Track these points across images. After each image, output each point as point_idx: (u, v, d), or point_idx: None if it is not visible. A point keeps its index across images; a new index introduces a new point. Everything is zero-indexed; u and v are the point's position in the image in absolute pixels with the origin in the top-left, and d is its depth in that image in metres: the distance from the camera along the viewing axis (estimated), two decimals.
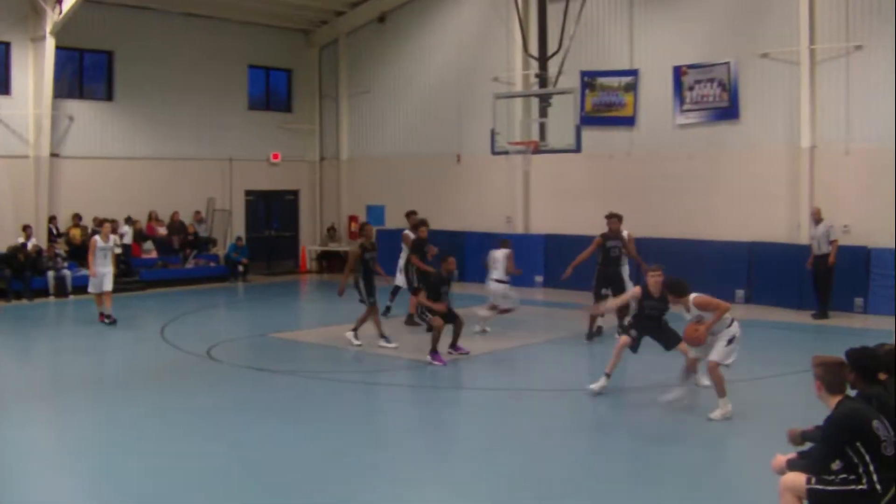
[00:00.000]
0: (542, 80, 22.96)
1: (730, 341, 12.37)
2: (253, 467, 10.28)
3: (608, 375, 13.80)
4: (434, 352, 16.21)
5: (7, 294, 25.03)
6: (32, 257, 25.59)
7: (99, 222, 20.62)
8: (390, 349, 17.42)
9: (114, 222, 23.08)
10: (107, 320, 20.62)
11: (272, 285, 30.11)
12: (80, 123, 28.49)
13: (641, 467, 10.42)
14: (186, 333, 19.79)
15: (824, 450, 7.07)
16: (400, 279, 20.63)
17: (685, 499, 9.33)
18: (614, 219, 18.59)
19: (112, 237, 21.65)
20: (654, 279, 14.15)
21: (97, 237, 21.02)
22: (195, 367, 16.24)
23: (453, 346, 16.90)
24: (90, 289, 21.15)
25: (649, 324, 14.08)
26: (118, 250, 24.96)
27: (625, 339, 13.88)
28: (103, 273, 20.69)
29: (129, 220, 28.59)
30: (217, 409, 13.23)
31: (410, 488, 9.71)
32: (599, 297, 18.29)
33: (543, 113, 22.11)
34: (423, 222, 19.54)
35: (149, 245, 29.23)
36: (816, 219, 21.21)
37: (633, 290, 15.03)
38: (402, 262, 20.46)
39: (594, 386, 13.75)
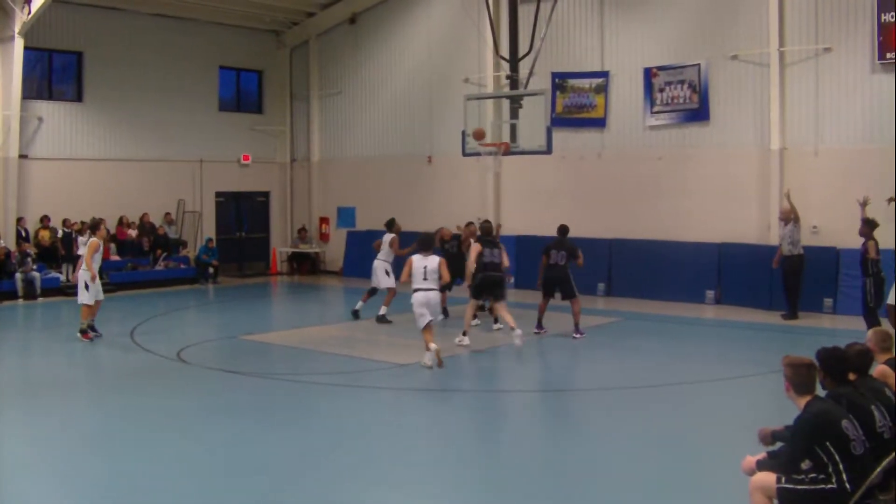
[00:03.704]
0: (513, 81, 22.94)
1: None
2: (225, 469, 10.25)
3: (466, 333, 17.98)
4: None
5: None
6: (1, 260, 25.39)
7: (96, 223, 19.50)
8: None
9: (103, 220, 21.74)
10: (94, 335, 18.89)
11: (243, 287, 30.01)
12: (49, 124, 28.34)
13: (609, 468, 10.44)
14: (156, 336, 19.67)
15: (794, 450, 7.11)
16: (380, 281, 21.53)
17: (653, 500, 9.35)
18: None
19: (80, 239, 21.02)
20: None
21: (95, 238, 18.75)
22: (165, 370, 16.14)
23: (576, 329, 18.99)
24: (89, 299, 18.59)
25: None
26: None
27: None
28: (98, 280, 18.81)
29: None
30: (188, 411, 13.18)
31: (385, 490, 9.68)
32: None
33: (514, 114, 22.09)
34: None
35: (112, 247, 29.00)
36: (786, 220, 21.30)
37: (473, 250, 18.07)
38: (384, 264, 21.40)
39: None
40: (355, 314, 21.40)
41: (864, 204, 18.79)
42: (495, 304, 18.69)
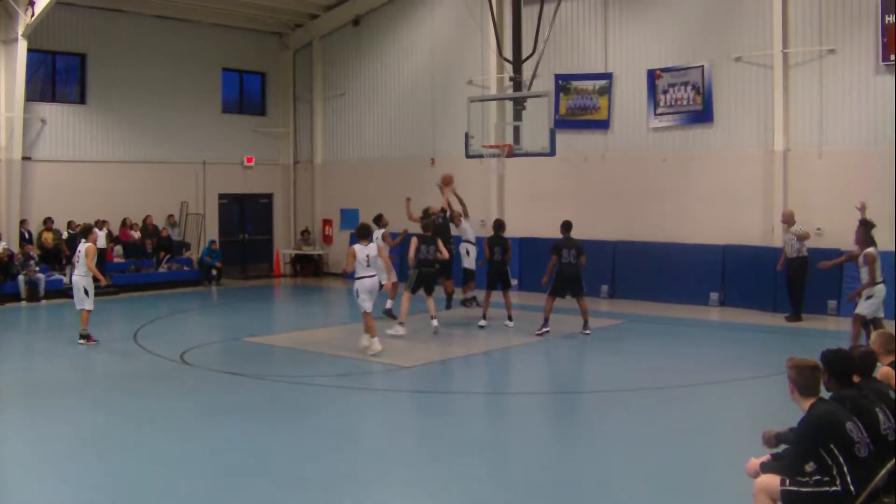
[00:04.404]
0: (517, 83, 22.94)
1: None
2: (229, 470, 10.25)
3: (402, 324, 18.93)
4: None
5: None
6: (4, 261, 25.38)
7: (87, 228, 19.56)
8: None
9: (94, 225, 21.77)
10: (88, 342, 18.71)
11: (246, 289, 29.99)
12: (52, 126, 28.34)
13: (612, 470, 10.43)
14: (160, 338, 19.67)
15: (798, 452, 7.09)
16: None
17: (657, 502, 9.33)
18: None
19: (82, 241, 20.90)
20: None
21: (90, 245, 18.91)
22: (169, 372, 16.14)
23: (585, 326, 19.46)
24: (91, 304, 18.72)
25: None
26: None
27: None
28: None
29: (98, 223, 28.32)
30: (192, 412, 13.19)
31: (387, 490, 9.68)
32: None
33: (518, 116, 22.09)
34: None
35: (118, 249, 29.05)
36: (789, 222, 21.27)
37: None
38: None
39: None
40: (388, 313, 21.45)
41: (862, 209, 18.72)
42: (426, 297, 19.67)
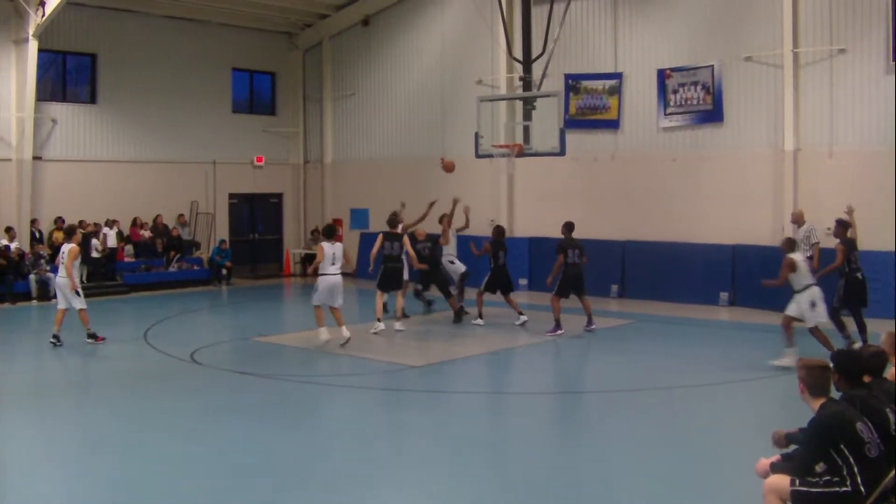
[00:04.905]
0: (527, 83, 22.94)
1: None
2: (236, 469, 10.25)
3: (380, 320, 19.52)
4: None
5: None
6: (15, 261, 25.45)
7: (72, 228, 19.55)
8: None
9: (88, 225, 21.68)
10: (58, 343, 18.43)
11: (256, 288, 30.03)
12: (63, 126, 28.44)
13: (619, 470, 10.41)
14: (170, 337, 19.72)
15: (808, 452, 7.08)
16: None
17: (666, 502, 9.32)
18: None
19: (93, 241, 20.94)
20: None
21: (74, 245, 18.61)
22: (179, 371, 16.16)
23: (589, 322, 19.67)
24: (83, 303, 18.56)
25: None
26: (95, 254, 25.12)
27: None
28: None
29: (109, 223, 28.40)
30: (201, 412, 13.21)
31: (392, 491, 9.69)
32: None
33: (527, 116, 22.10)
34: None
35: (128, 249, 29.12)
36: (798, 222, 21.23)
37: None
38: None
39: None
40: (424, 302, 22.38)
41: (849, 212, 18.58)
42: (397, 295, 20.32)
